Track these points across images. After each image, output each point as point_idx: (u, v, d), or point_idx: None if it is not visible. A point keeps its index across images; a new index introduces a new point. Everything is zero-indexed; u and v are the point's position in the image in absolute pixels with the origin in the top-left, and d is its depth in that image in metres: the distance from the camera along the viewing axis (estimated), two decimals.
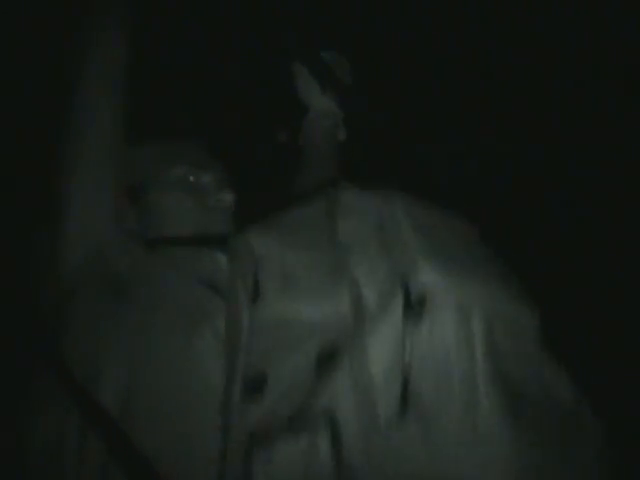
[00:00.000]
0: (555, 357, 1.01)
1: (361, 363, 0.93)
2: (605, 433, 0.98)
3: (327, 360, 0.95)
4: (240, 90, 1.32)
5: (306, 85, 1.16)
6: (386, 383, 0.92)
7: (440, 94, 1.34)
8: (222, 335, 1.03)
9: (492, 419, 0.90)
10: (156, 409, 0.98)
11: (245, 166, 1.23)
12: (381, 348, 0.93)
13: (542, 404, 0.97)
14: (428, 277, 0.94)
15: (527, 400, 0.95)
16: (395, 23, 1.36)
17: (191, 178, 1.14)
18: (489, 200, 1.32)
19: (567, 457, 0.94)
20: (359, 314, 0.97)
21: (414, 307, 0.93)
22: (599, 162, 1.38)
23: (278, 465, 0.92)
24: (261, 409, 0.95)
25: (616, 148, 1.38)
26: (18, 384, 1.07)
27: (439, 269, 0.95)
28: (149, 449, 0.95)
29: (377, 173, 1.17)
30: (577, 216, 1.35)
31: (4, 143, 1.24)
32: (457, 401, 0.91)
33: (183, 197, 1.14)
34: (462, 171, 1.29)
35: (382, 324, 0.94)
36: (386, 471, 0.90)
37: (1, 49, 1.25)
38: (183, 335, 1.02)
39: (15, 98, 1.24)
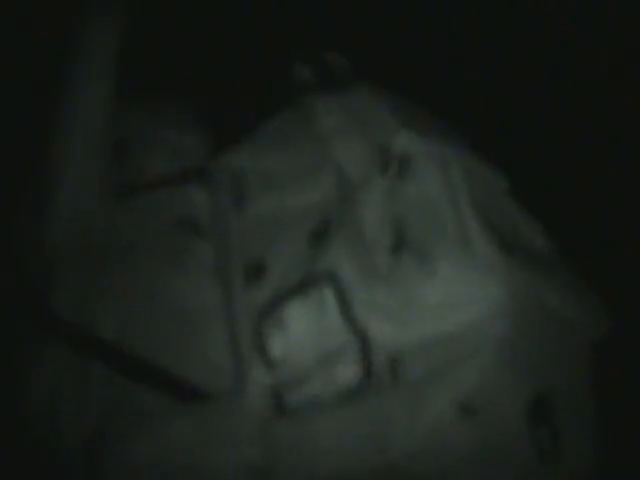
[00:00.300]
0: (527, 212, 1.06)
1: (355, 229, 0.98)
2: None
3: (321, 236, 1.00)
4: (228, 54, 1.34)
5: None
6: (380, 238, 0.97)
7: None
8: (207, 262, 1.08)
9: (486, 249, 0.93)
10: (156, 334, 1.03)
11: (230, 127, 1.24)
12: (372, 211, 0.99)
13: (522, 245, 1.02)
14: (409, 139, 1.00)
15: (512, 240, 0.99)
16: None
17: (174, 139, 1.19)
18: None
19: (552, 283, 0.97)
20: (345, 191, 1.03)
21: (398, 167, 0.99)
22: None
23: (291, 328, 0.96)
24: (265, 292, 0.99)
25: None
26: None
27: (418, 133, 1.01)
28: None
29: None
30: None
31: None
32: (449, 236, 0.95)
33: (165, 157, 1.18)
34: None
35: (369, 192, 1.00)
36: (389, 305, 0.94)
37: None
38: (170, 267, 1.07)
39: None
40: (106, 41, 1.13)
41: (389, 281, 0.95)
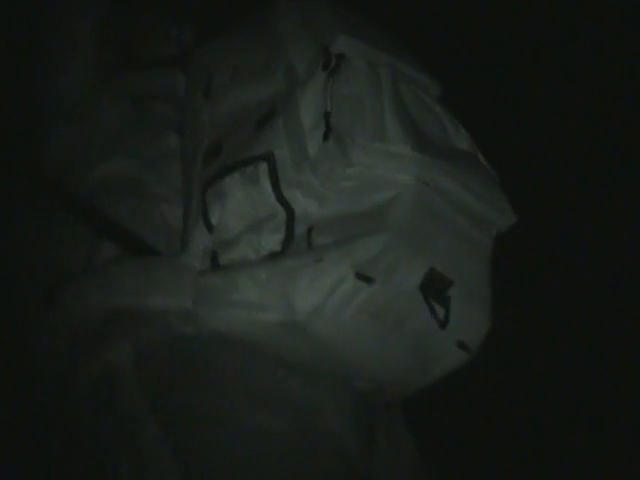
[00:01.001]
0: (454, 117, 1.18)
1: (293, 118, 1.09)
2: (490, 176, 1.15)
3: (265, 121, 1.13)
4: None
5: None
6: (313, 128, 1.08)
7: None
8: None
9: (398, 141, 1.05)
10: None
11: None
12: (309, 103, 1.09)
13: (443, 143, 1.14)
14: (345, 42, 1.11)
15: (430, 137, 1.12)
16: None
17: (174, 32, 1.35)
18: None
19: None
20: (291, 83, 1.15)
21: (334, 66, 1.09)
22: None
23: (229, 198, 1.09)
24: (215, 168, 1.13)
25: None
26: None
27: (354, 36, 1.12)
28: None
29: None
30: None
31: None
32: (368, 130, 1.05)
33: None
34: None
35: (309, 86, 1.11)
36: (313, 184, 1.06)
37: None
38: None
39: None
40: None
41: (315, 164, 1.07)
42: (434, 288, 1.05)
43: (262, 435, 0.98)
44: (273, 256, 1.07)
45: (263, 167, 1.09)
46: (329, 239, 1.05)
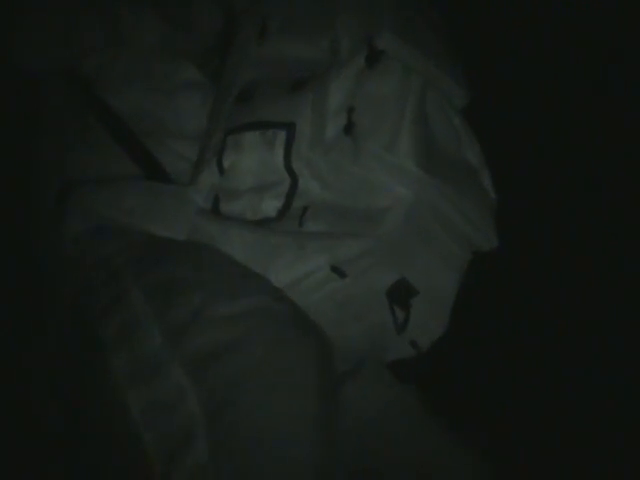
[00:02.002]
0: (471, 131, 1.23)
1: (323, 97, 1.15)
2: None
3: (297, 88, 1.17)
4: None
5: None
6: (336, 113, 1.15)
7: None
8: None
9: (408, 154, 1.12)
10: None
11: None
12: (340, 89, 1.15)
13: (452, 158, 1.21)
14: (389, 40, 1.15)
15: (440, 150, 1.18)
16: None
17: None
18: None
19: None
20: (332, 58, 1.19)
21: (373, 60, 1.15)
22: None
23: (244, 151, 1.16)
24: (241, 115, 1.18)
25: None
26: None
27: (399, 31, 1.16)
28: None
29: None
30: None
31: None
32: (385, 132, 1.13)
33: None
34: None
35: (345, 72, 1.16)
36: (321, 167, 1.14)
37: None
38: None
39: None
40: None
41: (329, 150, 1.14)
42: (399, 295, 1.13)
43: (235, 296, 1.03)
44: (266, 221, 1.15)
45: (282, 135, 1.15)
46: (319, 225, 1.13)
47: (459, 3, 1.36)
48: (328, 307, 1.13)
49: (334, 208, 1.14)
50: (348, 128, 1.13)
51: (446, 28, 1.28)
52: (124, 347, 1.00)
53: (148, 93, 1.29)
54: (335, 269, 1.11)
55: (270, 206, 1.15)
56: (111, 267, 1.10)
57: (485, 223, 1.20)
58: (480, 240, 1.20)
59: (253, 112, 1.18)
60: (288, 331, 1.02)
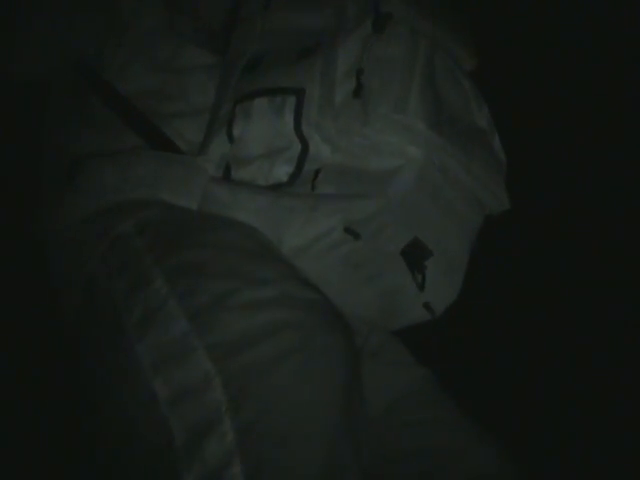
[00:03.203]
0: (480, 94, 1.23)
1: (331, 62, 1.15)
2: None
3: (305, 55, 1.17)
4: None
5: None
6: (345, 77, 1.15)
7: None
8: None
9: (416, 114, 1.12)
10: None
11: None
12: (348, 53, 1.16)
13: (462, 120, 1.20)
14: (396, 4, 1.17)
15: (449, 112, 1.18)
16: None
17: None
18: None
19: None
20: (338, 24, 1.19)
21: (380, 24, 1.15)
22: None
23: (253, 117, 1.15)
24: (250, 83, 1.18)
25: None
26: None
27: (406, 3, 1.18)
28: None
29: None
30: None
31: None
32: (392, 95, 1.12)
33: None
34: None
35: (353, 36, 1.16)
36: (330, 131, 1.13)
37: None
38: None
39: None
40: None
41: (338, 114, 1.14)
42: (414, 256, 1.14)
43: (262, 282, 1.03)
44: (278, 186, 1.15)
45: (291, 100, 1.14)
46: (331, 188, 1.13)
47: None
48: (343, 269, 1.14)
49: (345, 171, 1.14)
50: (357, 91, 1.13)
51: None
52: (149, 333, 0.99)
53: (154, 73, 1.28)
54: (349, 230, 1.11)
55: (281, 171, 1.15)
56: (128, 249, 1.09)
57: (495, 185, 1.20)
58: (491, 201, 1.21)
59: (261, 80, 1.18)
60: (314, 320, 1.02)
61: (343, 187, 1.13)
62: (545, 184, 1.31)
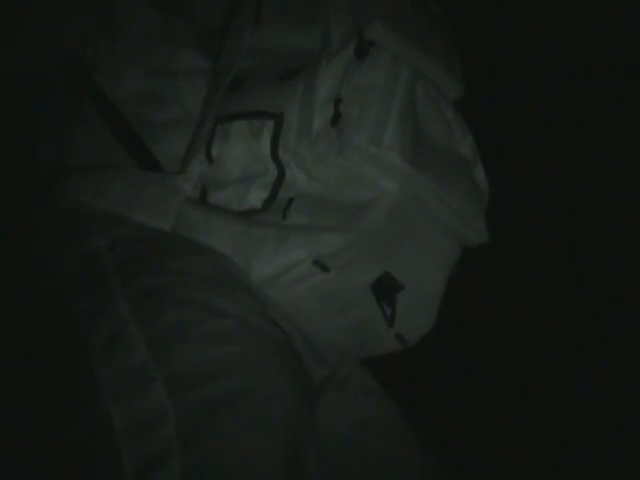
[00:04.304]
0: (464, 122, 1.22)
1: (312, 87, 1.13)
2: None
3: (287, 77, 1.16)
4: None
5: None
6: (324, 104, 1.13)
7: None
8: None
9: (392, 147, 1.10)
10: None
11: None
12: (329, 79, 1.14)
13: (443, 150, 1.19)
14: (379, 31, 1.14)
15: (430, 142, 1.17)
16: None
17: None
18: None
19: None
20: (324, 46, 1.18)
21: (362, 51, 1.13)
22: None
23: (231, 140, 1.13)
24: (231, 103, 1.16)
25: None
26: None
27: (390, 26, 1.15)
28: None
29: None
30: None
31: None
32: (369, 126, 1.11)
33: None
34: None
35: (335, 61, 1.14)
36: (306, 159, 1.11)
37: None
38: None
39: None
40: None
41: (315, 142, 1.12)
42: (384, 289, 1.12)
43: (224, 314, 1.02)
44: (251, 212, 1.14)
45: (269, 125, 1.13)
46: (303, 219, 1.12)
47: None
48: (312, 300, 1.13)
49: (319, 200, 1.12)
50: (335, 119, 1.12)
51: (447, 21, 1.26)
52: (112, 359, 0.99)
53: (148, 76, 1.27)
54: (317, 263, 1.10)
55: (256, 197, 1.14)
56: (96, 266, 1.08)
57: (474, 217, 1.18)
58: (469, 235, 1.19)
59: (242, 101, 1.17)
60: (269, 359, 1.01)
61: (315, 218, 1.12)
62: (531, 214, 1.28)
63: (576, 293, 1.31)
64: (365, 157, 1.11)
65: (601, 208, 1.31)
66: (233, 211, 1.14)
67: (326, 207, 1.12)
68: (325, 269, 1.10)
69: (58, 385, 1.07)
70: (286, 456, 0.95)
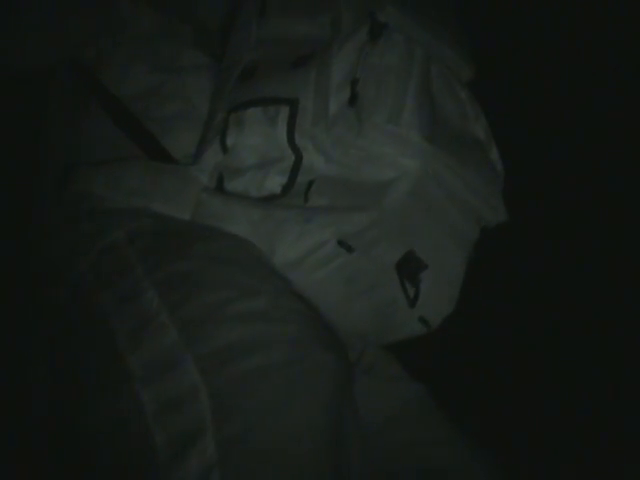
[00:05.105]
0: (477, 104, 1.22)
1: (326, 71, 1.13)
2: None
3: (300, 64, 1.15)
4: None
5: None
6: (339, 87, 1.12)
7: None
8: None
9: (410, 125, 1.10)
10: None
11: None
12: (343, 62, 1.13)
13: (458, 130, 1.19)
14: (391, 14, 1.14)
15: (445, 122, 1.17)
16: None
17: None
18: None
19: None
20: (334, 33, 1.17)
21: (375, 33, 1.13)
22: None
23: (246, 127, 1.12)
24: (244, 92, 1.16)
25: None
26: None
27: (401, 8, 1.15)
28: None
29: None
30: None
31: None
32: (387, 106, 1.11)
33: None
34: None
35: (348, 45, 1.14)
36: (324, 142, 1.11)
37: None
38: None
39: None
40: None
41: (333, 124, 1.12)
42: (408, 268, 1.12)
43: (254, 293, 1.02)
44: (271, 198, 1.13)
45: (285, 110, 1.13)
46: (324, 200, 1.11)
47: None
48: (337, 282, 1.12)
49: (339, 182, 1.12)
50: (352, 100, 1.12)
51: (455, 4, 1.26)
52: (141, 346, 0.98)
53: (153, 72, 1.27)
54: (342, 243, 1.09)
55: (274, 182, 1.13)
56: (120, 256, 1.08)
57: (492, 196, 1.18)
58: (487, 213, 1.19)
59: (255, 89, 1.17)
60: (306, 335, 1.01)
61: (336, 199, 1.11)
62: (544, 195, 1.29)
63: (590, 277, 1.30)
64: (384, 136, 1.11)
65: (615, 192, 1.32)
66: (252, 197, 1.14)
67: (347, 188, 1.12)
68: (350, 249, 1.09)
69: (86, 373, 1.06)
70: (329, 430, 0.94)
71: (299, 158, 1.13)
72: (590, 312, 1.33)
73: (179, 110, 1.26)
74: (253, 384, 0.94)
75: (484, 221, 1.19)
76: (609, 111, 1.33)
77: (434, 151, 1.11)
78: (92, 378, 1.04)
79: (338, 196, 1.11)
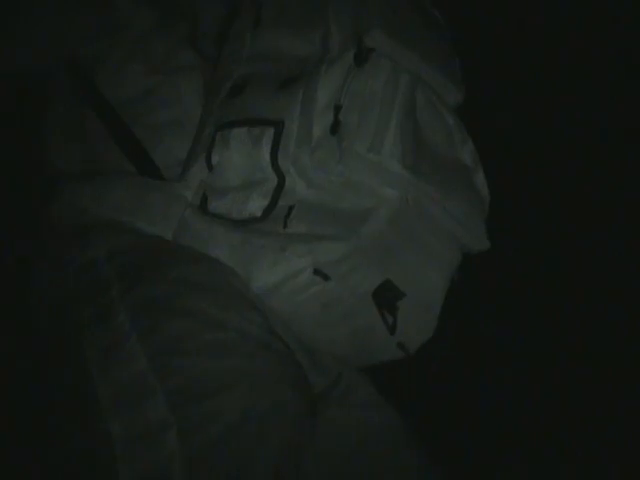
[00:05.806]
0: (464, 128, 1.21)
1: (312, 95, 1.12)
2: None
3: (287, 85, 1.15)
4: None
5: None
6: (324, 111, 1.12)
7: None
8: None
9: (392, 154, 1.09)
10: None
11: None
12: (328, 86, 1.12)
13: (443, 157, 1.18)
14: (378, 38, 1.13)
15: (430, 148, 1.16)
16: None
17: None
18: None
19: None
20: (324, 53, 1.17)
21: (361, 58, 1.12)
22: None
23: (231, 147, 1.13)
24: (231, 110, 1.16)
25: None
26: None
27: (389, 32, 1.14)
28: None
29: None
30: None
31: None
32: (371, 132, 1.09)
33: None
34: None
35: (334, 68, 1.13)
36: (307, 166, 1.11)
37: None
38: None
39: None
40: None
41: (315, 149, 1.11)
42: (385, 297, 1.12)
43: (223, 325, 1.02)
44: (251, 220, 1.13)
45: (269, 132, 1.13)
46: (303, 227, 1.11)
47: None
48: (313, 309, 1.13)
49: (319, 208, 1.12)
50: (334, 127, 1.11)
51: (447, 27, 1.25)
52: (109, 370, 0.99)
53: (149, 74, 1.27)
54: (318, 272, 1.09)
55: (256, 205, 1.14)
56: (97, 275, 1.08)
57: (474, 224, 1.18)
58: (470, 241, 1.18)
59: (242, 108, 1.17)
60: (270, 372, 1.02)
61: (315, 226, 1.11)
62: (530, 220, 1.28)
63: (576, 299, 1.30)
64: (365, 165, 1.10)
65: (601, 214, 1.30)
66: (234, 220, 1.14)
67: (326, 215, 1.11)
68: (326, 278, 1.09)
69: (57, 394, 1.07)
70: (280, 465, 0.95)
71: (281, 181, 1.13)
72: (576, 334, 1.32)
73: (174, 117, 1.26)
74: (216, 425, 0.94)
75: (466, 248, 1.19)
76: (600, 143, 1.32)
77: (415, 181, 1.10)
78: (61, 397, 1.06)
79: (317, 223, 1.11)
